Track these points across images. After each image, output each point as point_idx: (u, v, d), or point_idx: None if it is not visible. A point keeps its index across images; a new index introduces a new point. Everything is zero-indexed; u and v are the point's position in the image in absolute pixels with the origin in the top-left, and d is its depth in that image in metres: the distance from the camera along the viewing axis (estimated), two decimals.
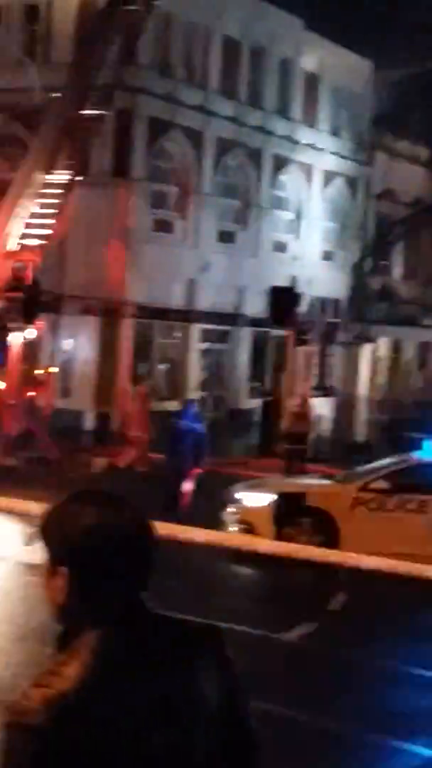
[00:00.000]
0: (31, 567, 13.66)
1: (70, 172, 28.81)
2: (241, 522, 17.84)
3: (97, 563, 2.78)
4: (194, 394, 38.08)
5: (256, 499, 18.01)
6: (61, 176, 28.56)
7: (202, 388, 38.22)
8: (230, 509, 18.04)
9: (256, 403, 37.70)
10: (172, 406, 37.37)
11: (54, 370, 30.53)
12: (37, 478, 23.49)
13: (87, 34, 32.02)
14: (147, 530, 2.86)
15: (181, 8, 36.08)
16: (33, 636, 11.18)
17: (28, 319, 26.09)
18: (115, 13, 30.19)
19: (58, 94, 29.54)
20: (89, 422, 33.63)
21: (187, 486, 20.40)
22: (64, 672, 2.69)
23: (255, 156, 40.05)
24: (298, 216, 42.41)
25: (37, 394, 27.90)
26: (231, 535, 17.59)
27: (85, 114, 29.40)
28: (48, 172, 28.15)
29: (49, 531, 2.87)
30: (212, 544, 16.90)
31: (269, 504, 17.68)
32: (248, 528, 17.75)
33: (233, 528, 17.89)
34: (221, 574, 16.60)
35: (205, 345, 38.69)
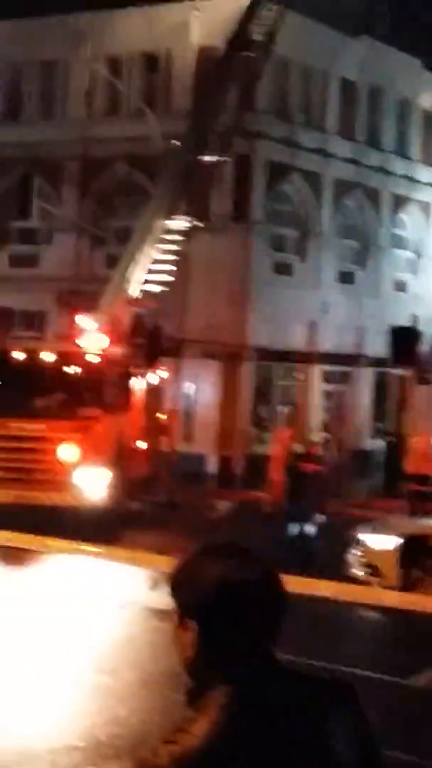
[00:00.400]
0: (157, 612, 13.74)
1: (191, 217, 29.11)
2: (366, 565, 17.68)
3: (226, 618, 2.76)
4: (316, 435, 38.01)
5: (381, 542, 17.83)
6: (182, 222, 28.87)
7: (324, 429, 38.07)
8: (355, 552, 17.90)
9: (378, 444, 37.41)
10: (294, 448, 37.45)
11: (176, 414, 30.74)
12: (161, 522, 23.63)
13: (205, 82, 32.45)
14: (276, 584, 2.84)
15: (297, 52, 36.34)
16: (160, 682, 11.22)
17: (151, 364, 26.36)
18: (233, 60, 30.55)
19: (178, 142, 29.92)
20: (212, 466, 33.76)
21: (310, 529, 20.30)
22: (192, 729, 2.68)
23: (374, 196, 40.00)
24: (418, 254, 42.16)
25: (160, 439, 28.12)
26: (356, 588, 17.36)
27: (204, 160, 29.72)
28: (168, 219, 28.49)
29: (178, 585, 2.85)
30: (337, 600, 16.72)
31: (395, 546, 17.50)
32: (373, 571, 17.58)
33: (358, 571, 17.74)
34: (347, 619, 16.46)
35: (327, 386, 38.61)
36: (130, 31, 36.72)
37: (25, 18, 38.08)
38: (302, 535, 20.30)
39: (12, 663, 12.08)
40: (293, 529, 20.34)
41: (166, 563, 12.24)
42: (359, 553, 17.84)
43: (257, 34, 31.39)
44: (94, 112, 38.36)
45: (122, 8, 36.69)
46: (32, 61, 39.12)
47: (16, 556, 16.51)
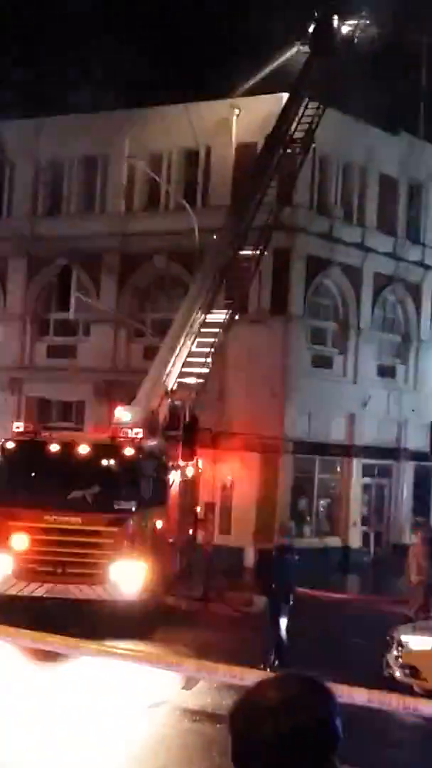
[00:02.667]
0: (190, 713, 13.40)
1: (229, 310, 29.17)
2: (405, 666, 17.25)
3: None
4: (355, 530, 37.58)
5: (422, 643, 17.40)
6: (220, 315, 28.93)
7: (363, 523, 37.65)
8: (394, 652, 17.47)
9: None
10: (334, 542, 37.06)
11: (213, 507, 30.46)
12: (197, 618, 23.28)
13: (245, 177, 32.75)
14: (330, 727, 2.69)
15: (336, 148, 36.67)
16: None
17: (187, 456, 26.21)
18: (272, 156, 30.85)
19: (216, 236, 30.11)
20: (249, 559, 33.34)
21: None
22: None
23: (413, 290, 39.98)
24: None
25: (196, 532, 27.83)
26: (392, 696, 16.86)
27: (243, 254, 29.86)
28: (207, 312, 28.56)
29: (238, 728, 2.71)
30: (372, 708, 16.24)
31: None
32: (413, 671, 17.13)
33: (396, 672, 17.29)
34: (386, 722, 15.98)
35: (367, 480, 38.25)
36: (170, 128, 37.20)
37: (67, 114, 38.77)
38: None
39: (40, 766, 11.75)
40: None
41: (199, 664, 12.02)
42: (399, 654, 17.40)
43: (297, 131, 31.74)
44: (133, 206, 38.75)
45: (162, 105, 37.27)
46: (73, 157, 39.69)
47: (47, 653, 16.21)
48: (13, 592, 21.94)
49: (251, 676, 13.24)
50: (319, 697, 2.69)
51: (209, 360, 27.97)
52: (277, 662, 18.13)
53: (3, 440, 23.82)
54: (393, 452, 38.34)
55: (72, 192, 40.08)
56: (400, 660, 17.36)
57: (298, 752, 2.61)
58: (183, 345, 27.83)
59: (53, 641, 8.84)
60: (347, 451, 37.19)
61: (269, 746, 2.60)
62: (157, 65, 38.21)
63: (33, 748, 12.41)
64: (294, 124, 31.68)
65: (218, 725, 13.49)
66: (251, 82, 35.95)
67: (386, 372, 39.00)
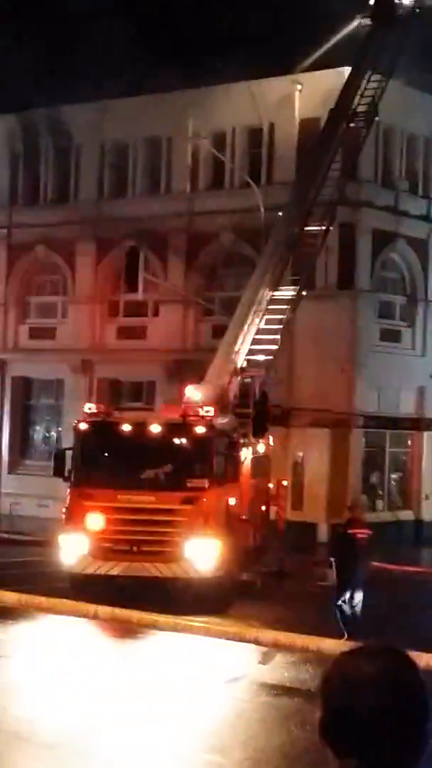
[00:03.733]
0: (268, 687, 13.59)
1: (296, 287, 29.21)
2: None
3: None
4: (427, 503, 37.54)
5: None
6: (287, 292, 28.98)
7: None
8: None
9: None
10: (406, 515, 37.07)
11: (285, 483, 30.60)
12: (271, 593, 23.47)
13: (309, 153, 32.70)
14: (424, 698, 2.62)
15: (400, 121, 36.49)
16: (272, 761, 11.05)
17: (258, 433, 26.33)
18: (336, 131, 30.76)
19: (281, 213, 30.13)
20: (322, 534, 33.47)
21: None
22: None
23: None
24: None
25: (269, 508, 27.98)
26: None
27: (308, 230, 29.85)
28: (274, 289, 28.62)
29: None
30: None
31: None
32: None
33: None
34: None
35: None
36: (233, 106, 37.25)
37: (131, 96, 38.95)
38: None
39: (121, 739, 12.03)
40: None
41: (277, 637, 12.20)
42: None
43: (360, 105, 31.61)
44: (198, 185, 38.88)
45: (225, 84, 37.30)
46: (137, 138, 39.88)
47: (125, 630, 16.51)
48: (90, 571, 22.25)
49: (329, 649, 13.40)
50: (411, 669, 2.64)
51: (278, 337, 28.04)
52: (346, 635, 18.23)
53: (76, 422, 24.16)
54: None
55: (137, 173, 40.29)
56: None
57: (397, 724, 2.56)
58: (251, 322, 27.92)
59: (133, 617, 9.07)
60: (417, 424, 37.14)
61: (369, 718, 2.54)
62: (219, 43, 38.19)
63: (111, 722, 12.69)
64: (357, 98, 31.54)
65: (296, 699, 13.69)
66: (313, 57, 35.82)
67: None
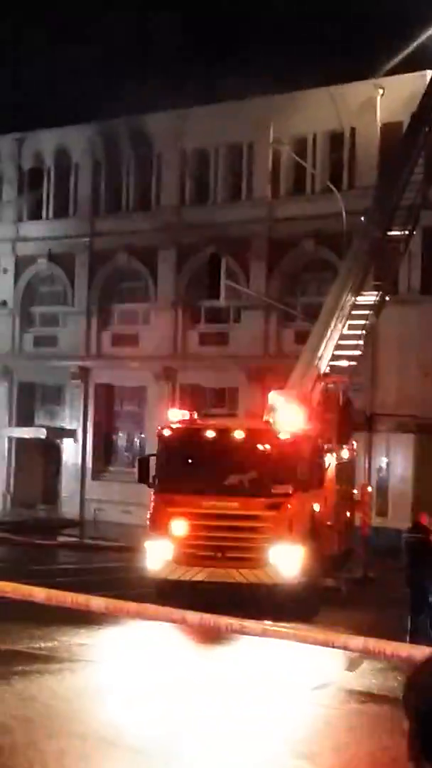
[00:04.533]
0: (356, 694, 13.49)
1: (379, 292, 29.04)
2: None
3: None
4: None
5: None
6: (370, 297, 28.83)
7: None
8: None
9: None
10: None
11: (370, 489, 30.42)
12: (357, 599, 23.33)
13: (391, 157, 32.52)
14: None
15: None
16: (360, 767, 10.96)
17: (342, 439, 26.23)
18: (418, 134, 30.55)
19: (364, 218, 30.00)
20: None
21: None
22: None
23: None
24: None
25: (354, 514, 27.85)
26: None
27: (391, 235, 29.67)
28: (357, 294, 28.49)
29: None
30: None
31: None
32: None
33: None
34: None
35: None
36: (314, 111, 37.19)
37: (211, 104, 39.08)
38: None
39: (208, 745, 12.02)
40: None
41: (366, 643, 12.03)
42: None
43: None
44: (279, 191, 38.85)
45: (305, 89, 37.25)
46: (218, 145, 39.99)
47: (212, 635, 16.51)
48: (174, 577, 22.32)
49: (419, 656, 13.25)
50: None
51: (361, 342, 27.90)
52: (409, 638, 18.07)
53: (160, 428, 24.25)
54: None
55: (218, 180, 40.40)
56: None
57: None
58: (334, 328, 27.82)
59: (221, 622, 9.06)
60: None
61: None
62: (299, 48, 38.16)
63: (199, 728, 12.69)
64: None
65: (384, 706, 13.58)
66: (394, 60, 35.65)
67: None
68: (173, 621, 9.84)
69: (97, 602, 9.00)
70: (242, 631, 9.03)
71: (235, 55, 39.79)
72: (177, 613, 9.30)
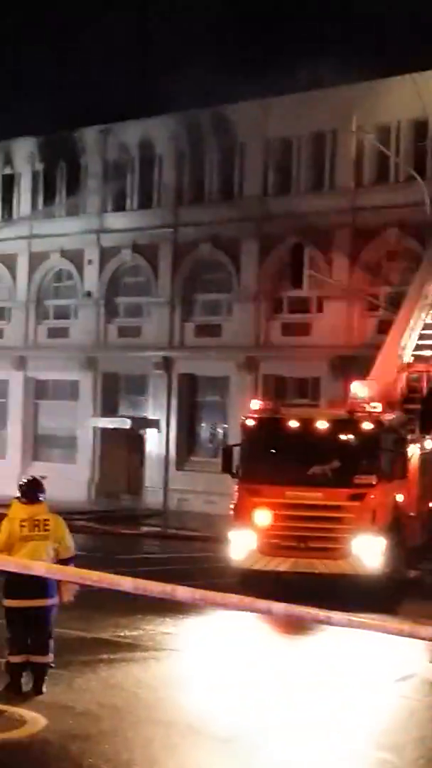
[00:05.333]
0: None
1: None
2: None
3: None
4: None
5: None
6: None
7: None
8: None
9: None
10: None
11: None
12: None
13: None
14: None
15: None
16: None
17: (426, 429, 26.05)
18: None
19: None
20: None
21: None
22: None
23: None
24: None
25: None
26: None
27: None
28: None
29: None
30: None
31: None
32: None
33: None
34: None
35: None
36: (398, 100, 36.93)
37: (295, 93, 38.98)
38: None
39: (292, 735, 12.08)
40: None
41: None
42: None
43: None
44: (363, 180, 38.65)
45: (389, 77, 37.01)
46: (301, 134, 39.88)
47: (297, 625, 16.57)
48: (258, 567, 22.40)
49: None
50: None
51: None
52: None
53: (243, 418, 24.32)
54: None
55: (301, 169, 40.30)
56: None
57: None
58: (418, 317, 27.66)
59: (307, 613, 9.09)
60: None
61: None
62: (380, 37, 37.92)
63: (283, 718, 12.75)
64: None
65: None
66: None
67: None
68: (259, 611, 9.89)
69: (183, 591, 9.06)
70: (327, 622, 9.05)
71: (318, 43, 39.65)
72: (262, 603, 9.34)
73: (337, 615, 8.84)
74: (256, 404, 24.84)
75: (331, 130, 39.16)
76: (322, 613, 8.98)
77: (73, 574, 10.93)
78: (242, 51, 40.40)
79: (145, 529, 37.42)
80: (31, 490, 13.52)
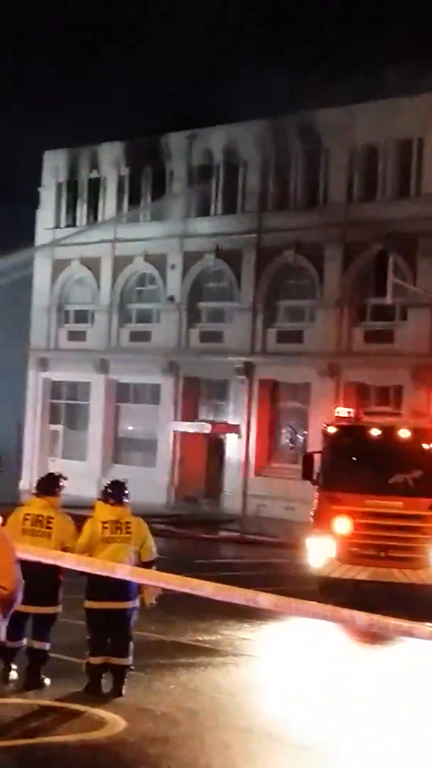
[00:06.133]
0: None
1: None
2: None
3: None
4: None
5: None
6: None
7: None
8: None
9: None
10: None
11: None
12: None
13: None
14: None
15: None
16: None
17: None
18: None
19: None
20: None
21: None
22: None
23: None
24: None
25: None
26: None
27: None
28: None
29: None
30: None
31: None
32: None
33: None
34: None
35: None
36: None
37: (381, 99, 38.80)
38: None
39: (370, 745, 11.99)
40: None
41: None
42: None
43: None
44: None
45: None
46: (387, 140, 39.68)
47: (377, 636, 16.44)
48: (337, 575, 22.30)
49: None
50: None
51: None
52: None
53: (325, 425, 24.23)
54: None
55: (387, 175, 40.08)
56: None
57: None
58: None
59: (389, 623, 9.01)
60: None
61: None
62: None
63: (360, 727, 12.66)
64: None
65: None
66: None
67: None
68: (342, 620, 9.83)
69: (265, 598, 9.04)
70: (410, 633, 8.96)
71: (404, 49, 39.41)
72: (345, 612, 9.27)
73: (419, 627, 8.75)
74: (338, 411, 24.72)
75: (417, 136, 38.91)
76: (405, 625, 8.89)
77: (156, 577, 10.95)
78: (328, 56, 40.31)
79: (223, 533, 37.44)
80: (116, 492, 13.61)
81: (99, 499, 13.75)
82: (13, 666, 13.35)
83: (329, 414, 24.97)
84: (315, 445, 27.08)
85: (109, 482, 14.03)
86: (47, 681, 13.23)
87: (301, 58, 42.34)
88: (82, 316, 49.71)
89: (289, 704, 13.50)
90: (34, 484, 14.20)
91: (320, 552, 22.60)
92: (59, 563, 11.76)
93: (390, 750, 11.87)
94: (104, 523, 13.33)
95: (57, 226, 50.28)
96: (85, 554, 12.88)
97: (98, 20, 51.10)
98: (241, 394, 43.10)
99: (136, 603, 13.27)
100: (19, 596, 7.80)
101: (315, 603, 9.44)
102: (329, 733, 12.26)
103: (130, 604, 13.19)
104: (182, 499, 44.20)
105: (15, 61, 66.65)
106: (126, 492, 13.64)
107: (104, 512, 13.44)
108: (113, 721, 11.92)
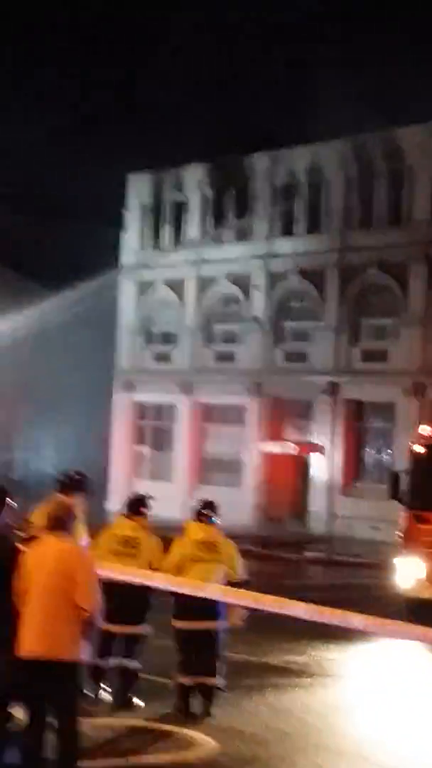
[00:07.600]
0: None
1: None
2: None
3: None
4: None
5: None
6: None
7: None
8: None
9: None
10: None
11: None
12: None
13: None
14: None
15: None
16: None
17: None
18: None
19: None
20: None
21: None
22: None
23: None
24: None
25: None
26: None
27: None
28: None
29: None
30: None
31: None
32: None
33: None
34: None
35: None
36: None
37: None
38: None
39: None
40: None
41: None
42: None
43: None
44: None
45: None
46: None
47: None
48: (426, 596, 22.02)
49: None
50: None
51: None
52: None
53: (411, 444, 24.02)
54: None
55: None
56: None
57: None
58: None
59: None
60: None
61: None
62: None
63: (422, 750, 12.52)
64: None
65: None
66: None
67: None
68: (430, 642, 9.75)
69: (355, 619, 9.01)
70: None
71: None
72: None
73: None
74: (424, 430, 24.50)
75: None
76: None
77: (248, 597, 10.94)
78: (410, 73, 40.14)
79: (309, 554, 37.27)
80: (207, 512, 13.64)
81: (190, 519, 13.79)
82: (103, 686, 13.42)
83: (416, 433, 24.73)
84: (401, 464, 26.83)
85: (200, 501, 14.06)
86: (140, 702, 13.27)
87: (384, 76, 42.20)
88: (167, 338, 49.98)
89: (379, 726, 13.38)
90: (121, 505, 14.28)
91: (409, 572, 22.37)
92: (149, 583, 11.81)
93: None
94: (194, 542, 13.35)
95: (142, 248, 50.67)
96: (173, 574, 12.91)
97: (180, 44, 51.50)
98: (325, 414, 42.95)
99: (225, 623, 13.26)
100: (99, 618, 7.83)
101: (406, 624, 9.39)
102: (419, 755, 12.13)
103: (218, 624, 13.18)
104: (267, 519, 44.11)
105: (99, 85, 67.46)
106: (216, 512, 13.67)
107: (194, 532, 13.47)
108: (203, 742, 11.90)
